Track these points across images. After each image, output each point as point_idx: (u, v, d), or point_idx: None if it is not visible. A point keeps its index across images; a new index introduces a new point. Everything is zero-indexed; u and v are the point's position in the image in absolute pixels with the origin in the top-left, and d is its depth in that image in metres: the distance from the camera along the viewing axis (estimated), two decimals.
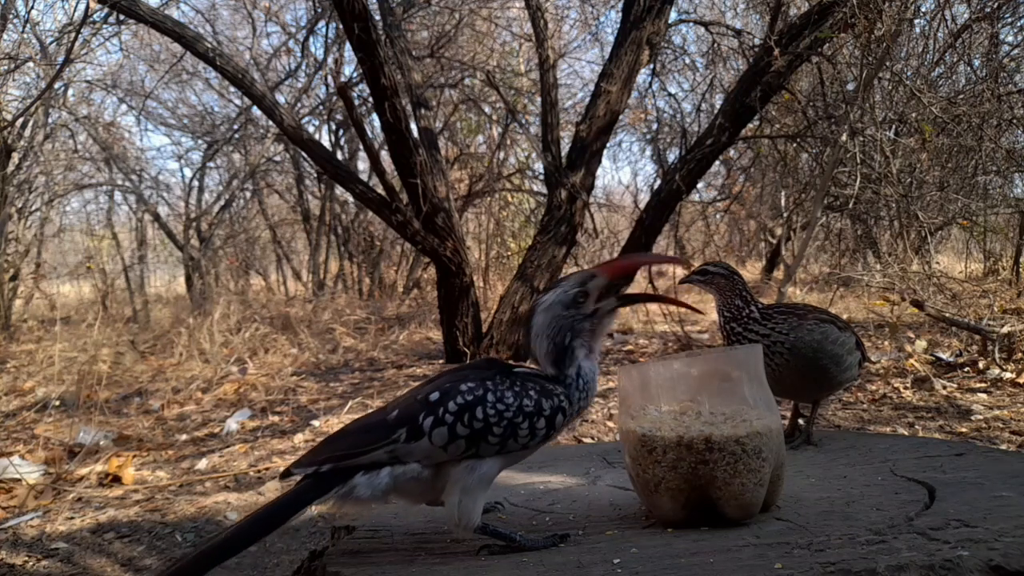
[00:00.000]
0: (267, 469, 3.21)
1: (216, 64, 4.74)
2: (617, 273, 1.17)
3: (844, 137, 4.15)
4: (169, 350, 6.08)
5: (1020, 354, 4.04)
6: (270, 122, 6.34)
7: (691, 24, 7.04)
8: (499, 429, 1.08)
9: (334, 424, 3.91)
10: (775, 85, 4.53)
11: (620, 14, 5.14)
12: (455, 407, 1.07)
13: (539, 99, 5.80)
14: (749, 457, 1.12)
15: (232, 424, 4.00)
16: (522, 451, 1.13)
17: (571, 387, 1.15)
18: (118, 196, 10.53)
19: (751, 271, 11.07)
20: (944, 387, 3.80)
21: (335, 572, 1.08)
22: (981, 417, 3.29)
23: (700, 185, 7.31)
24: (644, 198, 7.54)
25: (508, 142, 8.95)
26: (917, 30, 4.85)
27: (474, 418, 1.07)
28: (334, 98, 9.31)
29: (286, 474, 1.10)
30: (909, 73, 4.78)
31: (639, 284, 6.20)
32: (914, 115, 4.59)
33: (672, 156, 7.35)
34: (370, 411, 1.18)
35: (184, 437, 3.87)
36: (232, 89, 8.09)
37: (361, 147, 8.21)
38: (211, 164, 10.54)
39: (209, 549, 1.01)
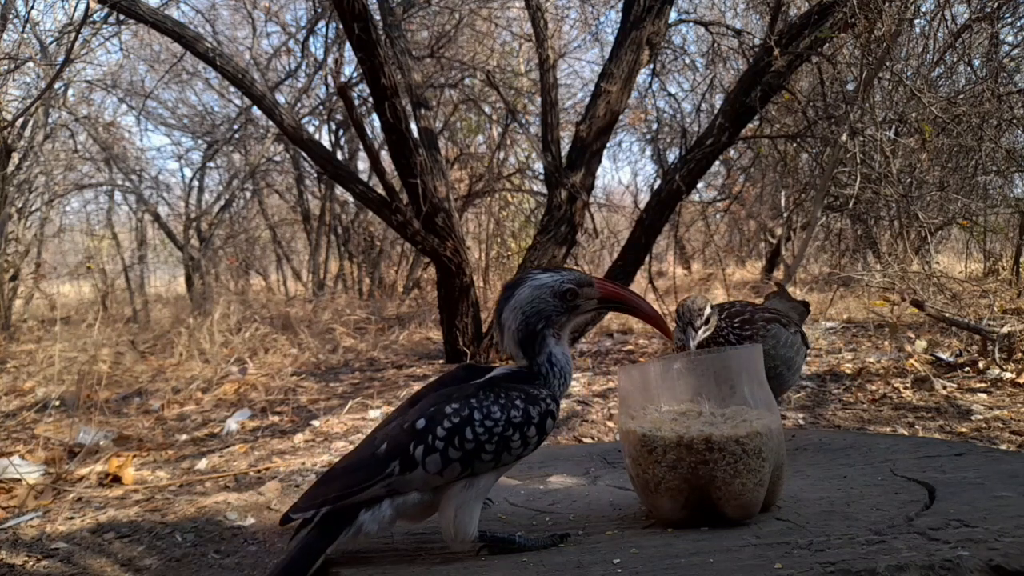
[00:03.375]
0: (267, 469, 3.21)
1: (216, 64, 4.74)
2: (609, 297, 1.17)
3: (844, 137, 4.15)
4: (169, 350, 6.08)
5: (1020, 354, 4.04)
6: (270, 122, 6.34)
7: (691, 24, 7.04)
8: (491, 446, 1.07)
9: (334, 424, 3.91)
10: (775, 85, 4.53)
11: (620, 14, 5.14)
12: (444, 432, 1.06)
13: (539, 99, 5.80)
14: (749, 457, 1.12)
15: (232, 424, 4.00)
16: (516, 461, 1.12)
17: (547, 376, 1.14)
18: (118, 196, 10.53)
19: (751, 271, 11.08)
20: (944, 387, 3.80)
21: (335, 572, 1.08)
22: (981, 417, 3.29)
23: (700, 185, 7.32)
24: (644, 198, 7.54)
25: (508, 142, 8.95)
26: (917, 30, 4.85)
27: (465, 440, 1.06)
28: (334, 98, 9.31)
29: (285, 520, 1.09)
30: (909, 73, 4.78)
31: (639, 283, 6.19)
32: (914, 115, 4.58)
33: (672, 156, 7.36)
34: (357, 446, 1.16)
35: (184, 437, 3.87)
36: (232, 89, 8.10)
37: (361, 147, 8.22)
38: (211, 164, 10.55)
39: None
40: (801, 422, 3.44)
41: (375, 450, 1.08)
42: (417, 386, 5.00)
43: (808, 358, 4.78)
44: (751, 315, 1.60)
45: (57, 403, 4.38)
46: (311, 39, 9.55)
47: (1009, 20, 4.96)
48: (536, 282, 1.14)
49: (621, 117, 5.64)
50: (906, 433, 3.14)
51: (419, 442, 1.06)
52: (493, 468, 1.09)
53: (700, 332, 1.50)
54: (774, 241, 9.86)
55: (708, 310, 1.52)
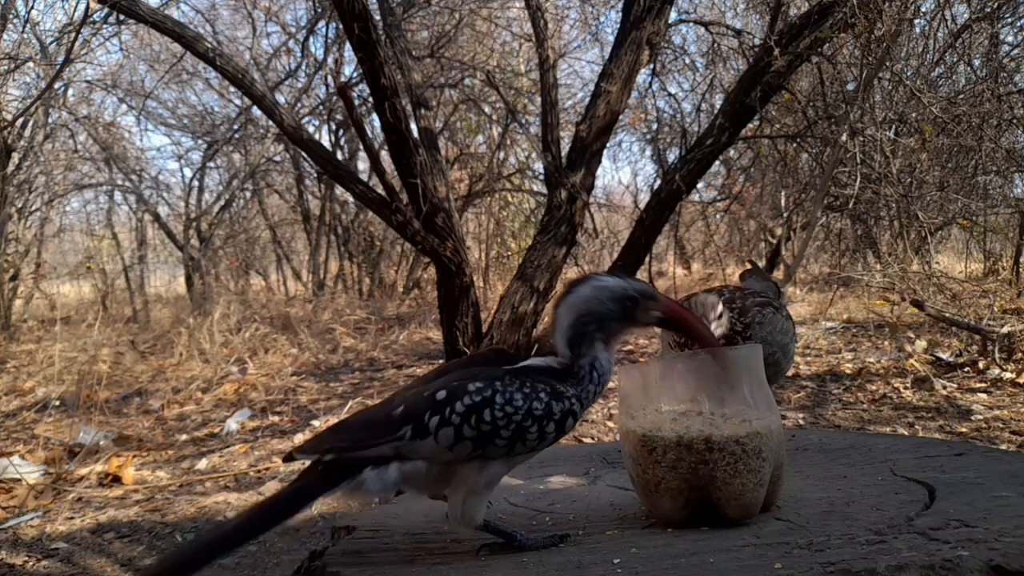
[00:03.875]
0: (267, 469, 3.21)
1: (216, 64, 4.73)
2: (672, 317, 1.15)
3: (844, 137, 4.15)
4: (169, 350, 6.08)
5: (1020, 354, 4.04)
6: (270, 122, 6.33)
7: (691, 24, 7.04)
8: (507, 432, 1.06)
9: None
10: (775, 85, 4.53)
11: (620, 14, 5.14)
12: (462, 408, 1.05)
13: (539, 99, 5.79)
14: (749, 457, 1.12)
15: (232, 424, 4.00)
16: (529, 453, 1.12)
17: (584, 379, 1.12)
18: (118, 196, 10.53)
19: None
20: (944, 387, 3.80)
21: (335, 572, 1.08)
22: (981, 417, 3.29)
23: (700, 185, 7.32)
24: (644, 198, 7.55)
25: (508, 142, 8.95)
26: (917, 30, 4.85)
27: (481, 420, 1.05)
28: (334, 98, 9.32)
29: (289, 458, 1.09)
30: (909, 73, 4.78)
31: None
32: (914, 115, 4.58)
33: (672, 156, 7.36)
34: (375, 404, 1.16)
35: (184, 437, 3.87)
36: (232, 89, 8.09)
37: (361, 147, 8.22)
38: (211, 164, 10.54)
39: (211, 540, 1.00)
40: (801, 422, 3.44)
41: (391, 411, 1.07)
42: None
43: (808, 358, 4.79)
44: (742, 303, 1.58)
45: (57, 403, 4.38)
46: (311, 39, 9.56)
47: (1009, 20, 4.96)
48: (598, 283, 1.14)
49: (621, 117, 5.63)
50: (906, 433, 3.14)
51: (435, 412, 1.05)
52: (505, 455, 1.09)
53: (714, 329, 1.47)
54: (774, 241, 9.85)
55: (720, 307, 1.49)
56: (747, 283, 1.95)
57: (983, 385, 3.82)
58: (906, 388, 3.84)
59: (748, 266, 2.10)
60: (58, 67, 6.02)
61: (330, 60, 9.50)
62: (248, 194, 10.77)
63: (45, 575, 2.23)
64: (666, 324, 1.16)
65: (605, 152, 5.43)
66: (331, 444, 1.07)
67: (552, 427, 1.09)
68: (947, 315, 4.38)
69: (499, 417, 1.06)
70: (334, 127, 10.24)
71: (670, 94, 6.99)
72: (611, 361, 1.15)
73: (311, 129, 10.09)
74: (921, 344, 4.59)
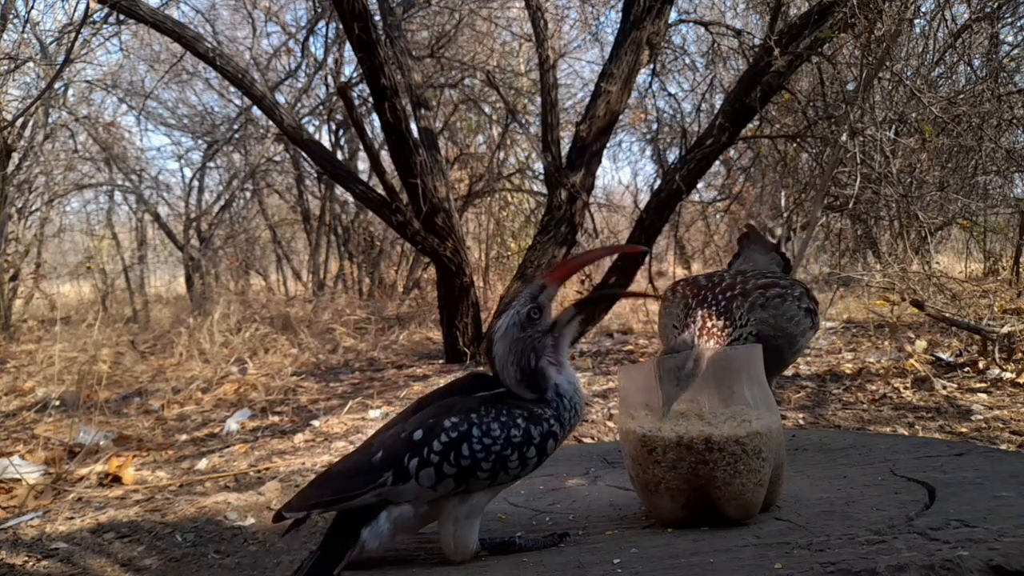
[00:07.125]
0: (267, 469, 3.21)
1: (216, 64, 4.74)
2: (561, 278, 1.14)
3: (844, 137, 4.15)
4: (169, 350, 6.08)
5: (1020, 354, 4.04)
6: (270, 122, 6.34)
7: (691, 24, 7.04)
8: (487, 464, 1.05)
9: (334, 424, 3.91)
10: (775, 85, 4.53)
11: (620, 14, 5.14)
12: (440, 446, 1.04)
13: (539, 99, 5.80)
14: (749, 457, 1.12)
15: (232, 424, 4.00)
16: (513, 481, 1.11)
17: (558, 408, 1.11)
18: (118, 196, 10.53)
19: None
20: (944, 387, 3.80)
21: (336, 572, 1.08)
22: (981, 417, 3.29)
23: (700, 185, 7.31)
24: (644, 198, 7.52)
25: (508, 142, 8.94)
26: (917, 30, 4.85)
27: (460, 456, 1.04)
28: (334, 98, 9.31)
29: (278, 517, 1.08)
30: (909, 73, 4.78)
31: (639, 284, 6.19)
32: (914, 115, 4.58)
33: (672, 156, 7.35)
34: (356, 449, 1.15)
35: (184, 437, 3.87)
36: (232, 89, 8.09)
37: (361, 147, 8.22)
38: (211, 164, 10.54)
39: None
40: (801, 422, 3.44)
41: (371, 457, 1.07)
42: (418, 386, 4.96)
43: (808, 358, 4.79)
44: (743, 288, 1.44)
45: (57, 403, 4.38)
46: (311, 39, 9.56)
47: (1009, 20, 4.95)
48: (498, 334, 1.11)
49: (621, 117, 5.64)
50: (906, 433, 3.14)
51: (414, 454, 1.04)
52: (489, 486, 1.08)
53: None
54: (774, 241, 9.84)
55: (690, 364, 1.27)
56: (746, 254, 1.82)
57: (983, 385, 3.82)
58: (906, 388, 3.84)
59: (745, 231, 1.88)
60: (58, 67, 6.02)
61: (330, 60, 9.51)
62: (248, 194, 10.77)
63: (45, 575, 2.23)
64: (564, 281, 1.17)
65: (605, 152, 5.44)
66: (316, 499, 1.06)
67: (533, 452, 1.07)
68: (947, 315, 4.38)
69: (478, 450, 1.04)
70: (334, 127, 10.24)
71: (670, 94, 6.98)
72: (572, 381, 1.12)
73: (311, 129, 10.09)
74: (921, 344, 4.59)
